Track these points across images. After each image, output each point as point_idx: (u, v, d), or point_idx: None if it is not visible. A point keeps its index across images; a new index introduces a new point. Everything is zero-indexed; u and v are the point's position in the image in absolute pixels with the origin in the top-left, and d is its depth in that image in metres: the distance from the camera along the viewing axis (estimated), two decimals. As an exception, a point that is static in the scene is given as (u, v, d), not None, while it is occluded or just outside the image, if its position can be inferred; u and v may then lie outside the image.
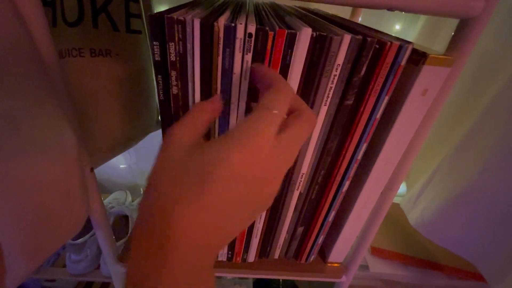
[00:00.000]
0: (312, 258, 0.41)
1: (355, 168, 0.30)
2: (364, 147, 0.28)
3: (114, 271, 0.41)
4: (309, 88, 0.24)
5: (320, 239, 0.38)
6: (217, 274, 0.41)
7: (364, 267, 0.55)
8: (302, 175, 0.31)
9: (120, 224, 0.75)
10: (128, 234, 0.63)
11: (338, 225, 0.37)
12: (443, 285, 0.56)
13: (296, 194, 0.32)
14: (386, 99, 0.25)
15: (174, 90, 0.23)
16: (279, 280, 0.69)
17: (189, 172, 0.14)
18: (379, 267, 0.55)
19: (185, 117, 0.18)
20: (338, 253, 0.41)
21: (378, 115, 0.26)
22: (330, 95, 0.25)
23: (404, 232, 0.61)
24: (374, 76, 0.24)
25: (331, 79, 0.23)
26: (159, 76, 0.23)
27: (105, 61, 0.40)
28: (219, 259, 0.40)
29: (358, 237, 0.39)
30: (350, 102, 0.25)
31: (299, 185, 0.32)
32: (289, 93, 0.18)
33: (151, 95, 0.49)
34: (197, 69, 0.22)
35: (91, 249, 0.66)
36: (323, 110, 0.25)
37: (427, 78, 0.24)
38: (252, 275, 0.42)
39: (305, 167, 0.30)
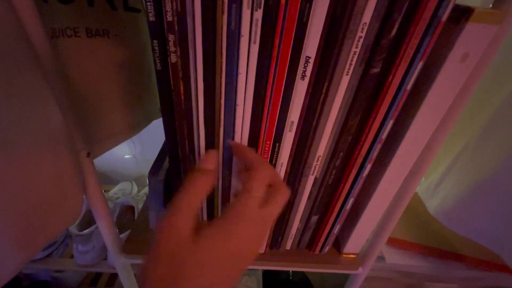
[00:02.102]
0: (326, 249, 0.38)
1: (378, 149, 0.27)
2: (390, 124, 0.25)
3: (118, 262, 0.39)
4: (328, 54, 0.21)
5: (336, 229, 0.35)
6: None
7: (380, 258, 0.52)
8: (318, 158, 0.27)
9: (126, 215, 0.74)
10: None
11: (356, 213, 0.34)
12: (464, 276, 0.53)
13: (311, 180, 0.29)
14: (419, 65, 0.21)
15: (173, 58, 0.20)
16: (289, 272, 0.67)
17: (196, 264, 0.17)
18: (396, 258, 0.52)
19: (180, 202, 0.19)
20: (354, 243, 0.38)
21: (409, 85, 0.22)
22: (354, 62, 0.21)
23: (421, 221, 0.58)
24: (407, 37, 0.20)
25: (356, 41, 0.20)
26: (155, 41, 0.20)
27: (103, 41, 0.37)
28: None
29: (377, 226, 0.36)
30: (376, 70, 0.22)
31: (315, 169, 0.28)
32: (268, 174, 0.21)
33: (154, 79, 0.46)
34: (199, 31, 0.19)
35: (98, 240, 0.65)
36: (345, 80, 0.22)
37: (470, 40, 0.20)
38: (262, 267, 0.39)
39: (322, 149, 0.27)
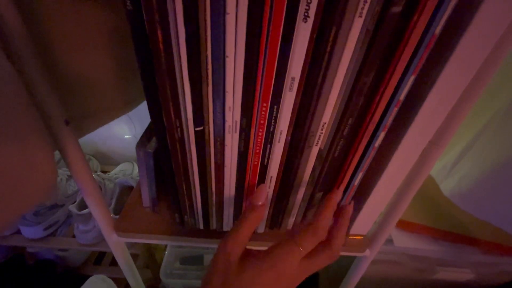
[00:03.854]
0: (331, 229, 0.35)
1: (394, 113, 0.23)
2: (411, 81, 0.21)
3: (111, 241, 0.38)
4: (338, -13, 0.17)
5: (342, 207, 0.32)
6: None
7: (388, 240, 0.49)
8: (323, 126, 0.24)
9: (126, 195, 0.73)
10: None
11: (365, 190, 0.31)
12: (478, 261, 0.50)
13: (314, 151, 0.26)
14: (453, 1, 0.17)
15: (145, -7, 0.16)
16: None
17: (235, 284, 0.22)
18: (405, 241, 0.49)
19: (236, 232, 0.25)
20: (362, 224, 0.35)
21: (438, 29, 0.18)
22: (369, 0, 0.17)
23: (432, 202, 0.54)
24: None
25: (373, -32, 0.16)
26: (121, -31, 0.16)
27: (90, 5, 0.33)
28: (225, 229, 0.35)
29: (388, 205, 0.33)
30: (398, 9, 0.17)
31: (319, 139, 0.25)
32: (320, 236, 0.25)
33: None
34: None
35: (98, 220, 0.64)
36: (357, 24, 0.18)
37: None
38: (261, 247, 0.37)
39: (328, 113, 0.23)
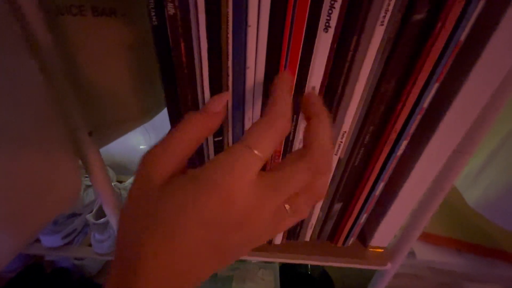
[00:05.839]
0: (350, 241, 0.34)
1: (418, 121, 0.22)
2: (435, 88, 0.20)
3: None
4: (359, -3, 0.17)
5: (363, 219, 0.31)
6: (241, 258, 0.36)
7: (409, 253, 0.47)
8: (343, 134, 0.23)
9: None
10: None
11: (386, 201, 0.30)
12: (509, 276, 0.47)
13: (334, 161, 0.25)
14: (479, 5, 0.17)
15: (170, 9, 0.17)
16: (307, 265, 0.64)
17: (157, 217, 0.14)
18: (428, 254, 0.47)
19: (164, 143, 0.15)
20: (382, 235, 0.34)
21: (463, 36, 0.18)
22: (391, 7, 0.17)
23: (457, 213, 0.51)
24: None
25: (395, -23, 0.16)
26: (148, -13, 0.17)
27: (110, 21, 0.35)
28: (241, 239, 0.35)
29: (411, 216, 0.32)
30: (421, 16, 0.17)
31: (338, 148, 0.25)
32: (280, 129, 0.15)
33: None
34: (199, -29, 0.16)
35: (115, 229, 0.65)
36: (379, 32, 0.18)
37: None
38: (279, 259, 0.36)
39: (348, 122, 0.23)
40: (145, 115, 0.46)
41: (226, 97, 0.17)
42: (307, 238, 0.35)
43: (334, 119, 0.23)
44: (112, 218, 0.33)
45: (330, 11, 0.17)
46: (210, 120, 0.16)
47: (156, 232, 0.14)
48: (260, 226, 0.15)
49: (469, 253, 0.47)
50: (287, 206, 0.16)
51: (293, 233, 0.34)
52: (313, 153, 0.15)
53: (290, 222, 0.16)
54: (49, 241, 0.72)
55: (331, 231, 0.34)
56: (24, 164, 0.20)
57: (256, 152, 0.14)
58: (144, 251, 0.13)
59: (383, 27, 0.18)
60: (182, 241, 0.14)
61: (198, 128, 0.16)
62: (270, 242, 0.35)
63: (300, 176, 0.15)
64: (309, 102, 0.17)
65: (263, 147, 0.14)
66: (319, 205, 0.30)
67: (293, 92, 0.20)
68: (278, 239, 0.35)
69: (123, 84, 0.39)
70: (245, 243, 0.15)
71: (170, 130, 0.16)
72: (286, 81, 0.17)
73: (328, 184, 0.19)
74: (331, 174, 0.17)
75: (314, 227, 0.33)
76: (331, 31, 0.18)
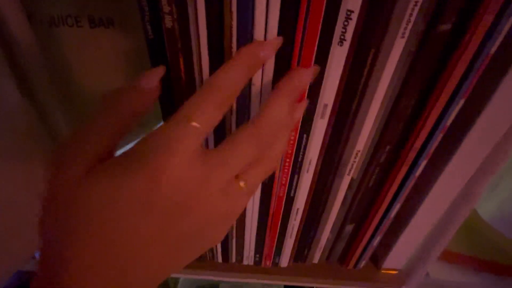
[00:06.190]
0: (362, 263, 0.32)
1: (439, 140, 0.20)
2: (460, 104, 0.18)
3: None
4: (378, 6, 0.15)
5: (376, 240, 0.29)
6: (243, 280, 0.34)
7: (421, 271, 0.45)
8: (356, 154, 0.22)
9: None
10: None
11: (401, 221, 0.28)
12: (529, 297, 0.44)
13: (346, 181, 0.23)
14: (512, 16, 0.15)
15: (168, 21, 0.15)
16: None
17: (81, 212, 0.12)
18: (442, 273, 0.44)
19: (84, 127, 0.13)
20: (396, 257, 0.32)
21: (493, 48, 0.16)
22: (413, 18, 0.15)
23: (471, 228, 0.49)
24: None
25: (418, -15, 0.14)
26: (143, -1, 0.15)
27: (108, 32, 0.34)
28: (244, 263, 0.32)
29: (428, 235, 0.29)
30: (446, 27, 0.16)
31: (351, 167, 0.23)
32: (221, 96, 0.13)
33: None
34: (199, -21, 0.14)
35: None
36: (399, 45, 0.16)
37: None
38: (284, 282, 0.34)
39: (362, 141, 0.21)
40: (144, 126, 0.44)
41: (162, 72, 0.15)
42: (316, 261, 0.32)
43: (347, 137, 0.21)
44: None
45: (346, 23, 0.15)
46: (138, 96, 0.14)
47: (83, 229, 0.11)
48: (211, 207, 0.13)
49: (487, 271, 0.44)
50: (241, 183, 0.14)
51: (300, 255, 0.32)
52: (260, 123, 0.14)
53: (244, 201, 0.15)
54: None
55: (341, 253, 0.32)
56: (20, 179, 0.19)
57: (194, 124, 0.12)
58: (73, 251, 0.11)
59: (404, 39, 0.16)
60: (115, 233, 0.11)
61: (125, 106, 0.14)
62: (276, 264, 0.33)
63: (245, 147, 0.14)
64: (285, 76, 0.16)
65: (203, 117, 0.12)
66: (329, 226, 0.28)
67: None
68: (284, 261, 0.32)
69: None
70: (199, 230, 0.13)
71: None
72: (241, 58, 0.14)
73: (281, 156, 0.18)
74: (284, 145, 0.16)
75: (323, 249, 0.31)
76: (347, 44, 0.16)
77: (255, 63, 0.15)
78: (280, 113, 0.14)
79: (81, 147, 0.13)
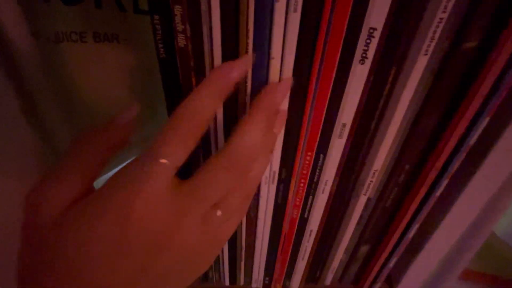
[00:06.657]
0: (377, 286, 0.30)
1: (462, 159, 0.19)
2: (485, 123, 0.17)
3: None
4: (402, 23, 0.14)
5: (392, 262, 0.27)
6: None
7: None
8: (373, 174, 0.21)
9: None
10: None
11: (418, 242, 0.27)
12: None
13: (362, 201, 0.22)
14: (542, 33, 0.14)
15: (181, 40, 0.15)
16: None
17: (56, 253, 0.11)
18: (456, 291, 0.42)
19: (59, 167, 0.13)
20: (411, 279, 0.30)
21: (521, 65, 0.15)
22: (437, 35, 0.14)
23: (485, 245, 0.48)
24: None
25: (444, 2, 0.13)
26: (156, 17, 0.14)
27: (112, 47, 0.33)
28: (253, 286, 0.31)
29: (444, 259, 0.28)
30: (472, 44, 0.15)
31: (368, 187, 0.22)
32: (194, 127, 0.13)
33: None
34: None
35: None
36: (421, 63, 0.15)
37: None
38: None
39: (380, 161, 0.20)
40: (147, 141, 0.43)
41: (135, 110, 0.15)
42: (328, 283, 0.31)
43: (365, 157, 0.20)
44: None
45: (368, 41, 0.14)
46: (112, 133, 0.14)
47: (61, 270, 0.11)
48: (190, 239, 0.13)
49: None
50: (218, 212, 0.14)
51: (312, 277, 0.30)
52: (229, 150, 0.13)
53: (229, 228, 0.15)
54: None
55: (355, 275, 0.30)
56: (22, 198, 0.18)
57: (162, 160, 0.12)
58: None
59: (427, 57, 0.15)
60: (94, 274, 0.11)
61: (99, 143, 0.14)
62: (286, 287, 0.31)
63: (220, 178, 0.13)
64: (259, 96, 0.15)
65: (171, 153, 0.12)
66: (343, 247, 0.26)
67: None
68: (295, 284, 0.31)
69: (123, 111, 0.36)
70: (183, 262, 0.13)
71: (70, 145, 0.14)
72: (210, 82, 0.14)
73: (261, 177, 0.17)
74: (265, 165, 0.16)
75: (337, 270, 0.29)
76: (368, 62, 0.15)
77: (226, 86, 0.14)
78: (252, 138, 0.14)
79: (56, 187, 0.12)
